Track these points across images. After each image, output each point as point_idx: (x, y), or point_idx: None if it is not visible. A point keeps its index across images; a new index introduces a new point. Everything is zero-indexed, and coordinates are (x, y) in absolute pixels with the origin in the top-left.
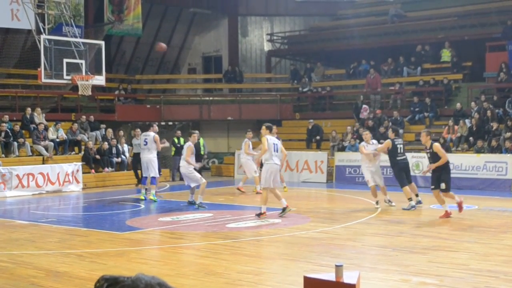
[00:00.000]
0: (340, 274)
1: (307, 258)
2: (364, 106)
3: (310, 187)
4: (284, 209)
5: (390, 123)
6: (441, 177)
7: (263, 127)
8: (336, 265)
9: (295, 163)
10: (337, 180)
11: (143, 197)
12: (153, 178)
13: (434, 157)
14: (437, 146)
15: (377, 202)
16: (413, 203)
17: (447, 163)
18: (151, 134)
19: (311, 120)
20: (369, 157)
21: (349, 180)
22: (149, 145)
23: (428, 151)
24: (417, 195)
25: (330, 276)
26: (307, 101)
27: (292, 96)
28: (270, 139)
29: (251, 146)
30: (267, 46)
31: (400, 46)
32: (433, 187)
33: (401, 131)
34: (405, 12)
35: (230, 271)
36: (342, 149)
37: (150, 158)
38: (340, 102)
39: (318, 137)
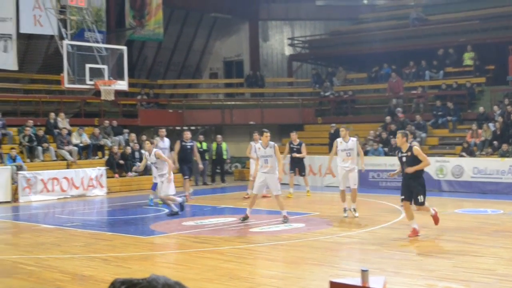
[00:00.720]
0: (366, 279)
1: (331, 263)
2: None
3: (333, 192)
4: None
5: (413, 127)
6: (416, 188)
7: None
8: (362, 270)
9: (318, 168)
10: (360, 184)
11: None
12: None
13: (413, 161)
14: (417, 149)
15: (344, 210)
16: None
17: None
18: (167, 140)
19: (333, 124)
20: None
21: (373, 185)
22: (166, 152)
23: (404, 154)
24: None
25: (356, 281)
26: (329, 105)
27: (314, 100)
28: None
29: (255, 149)
30: (288, 51)
31: (421, 50)
32: (403, 197)
33: (423, 135)
34: (426, 15)
35: (254, 276)
36: (365, 153)
37: None
38: (362, 106)
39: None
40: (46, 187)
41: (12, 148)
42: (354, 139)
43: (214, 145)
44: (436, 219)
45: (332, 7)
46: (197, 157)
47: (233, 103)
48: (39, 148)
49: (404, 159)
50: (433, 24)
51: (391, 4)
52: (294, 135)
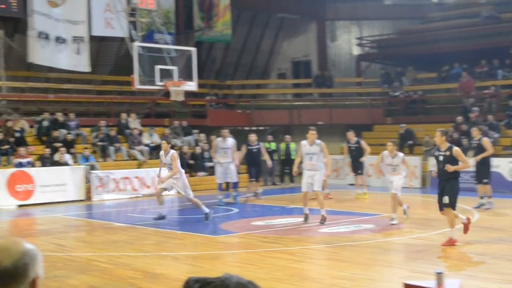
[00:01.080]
0: (441, 281)
1: (402, 265)
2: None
3: (403, 193)
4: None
5: (486, 128)
6: (446, 189)
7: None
8: (437, 273)
9: None
10: (432, 185)
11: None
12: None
13: (450, 162)
14: (457, 150)
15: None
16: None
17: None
18: (231, 140)
19: (403, 125)
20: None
21: None
22: (228, 152)
23: (441, 153)
24: None
25: (431, 283)
26: (399, 105)
27: (383, 100)
28: None
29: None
30: (356, 50)
31: (493, 49)
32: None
33: (496, 135)
34: (498, 13)
35: (324, 276)
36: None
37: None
38: (433, 106)
39: (410, 142)
40: (118, 186)
41: (85, 148)
42: (401, 155)
43: (282, 145)
44: (466, 228)
45: (401, 6)
46: (265, 157)
47: (301, 103)
48: (111, 148)
49: (441, 158)
50: (506, 22)
51: (461, 2)
52: (350, 134)
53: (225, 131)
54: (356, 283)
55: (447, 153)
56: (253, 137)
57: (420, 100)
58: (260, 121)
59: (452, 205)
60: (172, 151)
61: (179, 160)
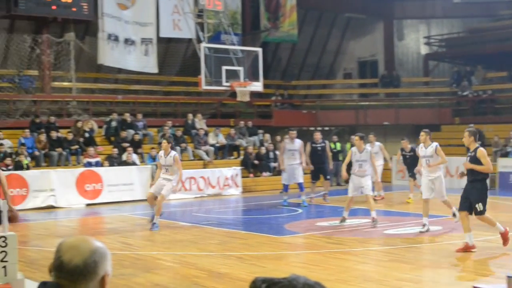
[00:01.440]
0: None
1: (468, 267)
2: None
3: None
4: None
5: None
6: (474, 195)
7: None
8: (508, 276)
9: (455, 169)
10: (500, 187)
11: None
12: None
13: (474, 163)
14: (481, 150)
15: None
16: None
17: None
18: (299, 142)
19: (472, 125)
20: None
21: None
22: (295, 155)
23: (469, 154)
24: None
25: (501, 287)
26: (467, 105)
27: (451, 100)
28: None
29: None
30: (424, 50)
31: None
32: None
33: None
34: None
35: (389, 278)
36: (505, 154)
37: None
38: (503, 106)
39: (479, 142)
40: (184, 186)
41: (152, 148)
42: (435, 144)
43: (348, 146)
44: (505, 238)
45: (470, 3)
46: (328, 156)
47: (367, 103)
48: (177, 148)
49: (468, 158)
50: None
51: None
52: (405, 143)
53: (293, 132)
54: (421, 286)
55: (472, 153)
56: (318, 135)
57: (489, 99)
58: (325, 121)
59: (483, 210)
60: (173, 152)
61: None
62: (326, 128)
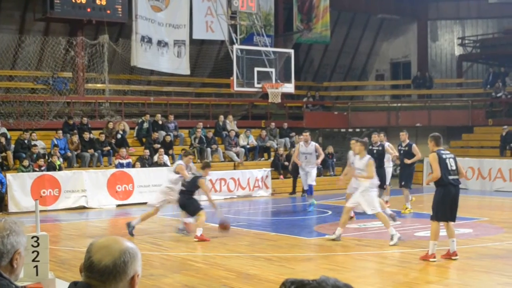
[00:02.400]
0: None
1: (500, 271)
2: None
3: (504, 197)
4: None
5: None
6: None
7: None
8: None
9: (487, 171)
10: None
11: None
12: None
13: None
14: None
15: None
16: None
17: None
18: (313, 145)
19: (505, 127)
20: None
21: None
22: (309, 158)
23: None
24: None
25: None
26: (501, 107)
27: (484, 102)
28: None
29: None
30: (458, 51)
31: None
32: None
33: None
34: None
35: (419, 281)
36: None
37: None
38: None
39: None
40: (214, 187)
41: (183, 149)
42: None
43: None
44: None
45: (506, 4)
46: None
47: (399, 104)
48: (208, 149)
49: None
50: None
51: None
52: (403, 135)
53: (306, 134)
54: None
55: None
56: (376, 137)
57: None
58: (357, 122)
59: (433, 216)
60: (177, 162)
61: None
62: (357, 130)
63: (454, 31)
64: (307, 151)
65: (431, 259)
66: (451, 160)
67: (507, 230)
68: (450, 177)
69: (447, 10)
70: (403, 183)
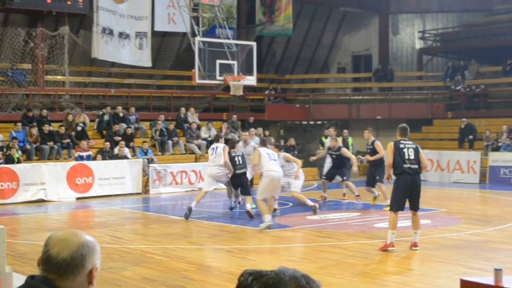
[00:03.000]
0: (500, 278)
1: (458, 261)
2: None
3: (461, 188)
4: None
5: None
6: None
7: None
8: (495, 269)
9: (446, 163)
10: (491, 181)
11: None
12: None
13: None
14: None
15: None
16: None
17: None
18: (252, 145)
19: (464, 119)
20: None
21: (504, 181)
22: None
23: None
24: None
25: (489, 280)
26: (460, 100)
27: (444, 95)
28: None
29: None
30: (418, 44)
31: None
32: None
33: None
34: None
35: (378, 272)
36: (497, 149)
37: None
38: (495, 101)
39: (471, 137)
40: (175, 180)
41: (144, 142)
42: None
43: (340, 140)
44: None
45: None
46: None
47: (360, 97)
48: (170, 142)
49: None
50: None
51: None
52: (367, 133)
53: (245, 134)
54: (410, 279)
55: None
56: (333, 142)
57: (482, 94)
58: (318, 115)
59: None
60: None
61: None
62: (319, 122)
63: (415, 24)
64: (245, 151)
65: (389, 248)
66: (411, 150)
67: (465, 221)
68: (405, 165)
69: (408, 3)
70: (377, 177)
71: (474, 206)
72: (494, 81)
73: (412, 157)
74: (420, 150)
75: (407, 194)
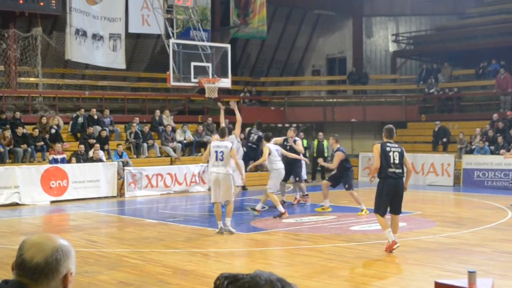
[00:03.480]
0: (473, 280)
1: (433, 263)
2: None
3: (436, 191)
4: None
5: None
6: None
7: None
8: (469, 271)
9: (420, 166)
10: (465, 183)
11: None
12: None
13: None
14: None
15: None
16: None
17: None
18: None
19: (438, 122)
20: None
21: (478, 184)
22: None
23: None
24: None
25: (463, 282)
26: (433, 103)
27: (418, 98)
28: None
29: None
30: (392, 47)
31: None
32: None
33: None
34: None
35: (354, 274)
36: (470, 151)
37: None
38: (469, 103)
39: (444, 139)
40: (150, 183)
41: (119, 144)
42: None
43: (315, 143)
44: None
45: (438, 1)
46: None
47: (335, 100)
48: (145, 144)
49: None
50: None
51: None
52: (332, 140)
53: (214, 136)
54: (386, 282)
55: None
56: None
57: (455, 97)
58: (293, 118)
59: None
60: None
61: None
62: (294, 125)
63: (389, 27)
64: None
65: (394, 247)
66: (396, 153)
67: (439, 224)
68: (390, 170)
69: (382, 7)
70: (346, 186)
71: (448, 208)
72: (467, 84)
73: (397, 161)
74: (405, 154)
75: (390, 198)
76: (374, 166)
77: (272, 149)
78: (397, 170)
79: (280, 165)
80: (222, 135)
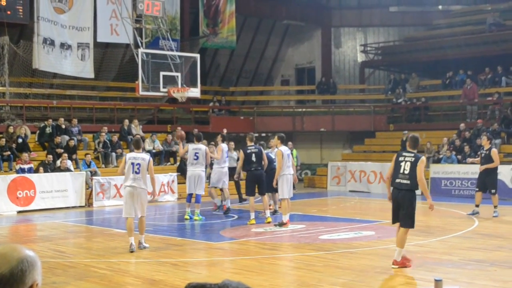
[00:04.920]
0: None
1: (401, 272)
2: None
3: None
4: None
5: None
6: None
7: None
8: (436, 280)
9: (386, 175)
10: (432, 192)
11: (188, 217)
12: (200, 195)
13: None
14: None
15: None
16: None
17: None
18: (203, 148)
19: (406, 132)
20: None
21: (445, 193)
22: (200, 160)
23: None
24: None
25: None
26: (401, 112)
27: (386, 107)
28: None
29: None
30: (360, 57)
31: (498, 56)
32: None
33: (498, 141)
34: (504, 20)
35: (323, 283)
36: (438, 161)
37: (200, 173)
38: (436, 113)
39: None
40: (119, 192)
41: (87, 154)
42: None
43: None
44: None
45: (406, 13)
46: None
47: (304, 110)
48: (113, 154)
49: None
50: (511, 29)
51: (466, 9)
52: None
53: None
54: None
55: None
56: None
57: (423, 107)
58: (262, 127)
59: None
60: None
61: None
62: (263, 134)
63: (357, 38)
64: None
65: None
66: (408, 163)
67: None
68: (396, 180)
69: (350, 17)
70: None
71: (416, 217)
72: (434, 94)
73: (407, 171)
74: (419, 163)
75: (395, 208)
76: (386, 176)
77: (285, 154)
78: (403, 181)
79: (287, 172)
80: (137, 147)
